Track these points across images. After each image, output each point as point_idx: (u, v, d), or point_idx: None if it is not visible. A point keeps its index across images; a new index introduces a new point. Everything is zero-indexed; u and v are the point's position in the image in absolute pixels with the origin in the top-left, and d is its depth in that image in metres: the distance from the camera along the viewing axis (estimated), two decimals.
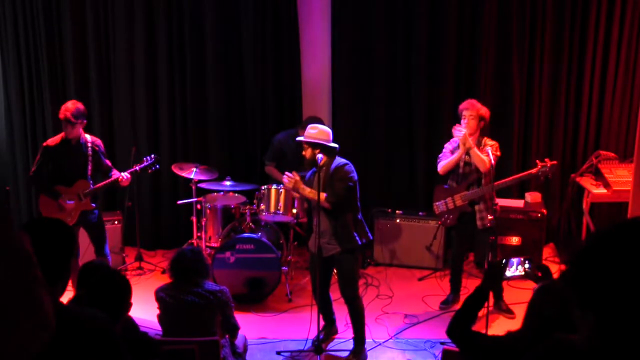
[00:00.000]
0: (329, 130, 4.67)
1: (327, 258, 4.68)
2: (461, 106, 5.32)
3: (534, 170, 5.27)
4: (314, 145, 4.58)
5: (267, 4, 6.72)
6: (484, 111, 5.29)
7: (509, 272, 2.78)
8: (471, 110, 5.23)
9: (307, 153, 4.62)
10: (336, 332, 5.11)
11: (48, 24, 6.63)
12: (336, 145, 4.65)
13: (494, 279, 2.69)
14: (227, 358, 3.82)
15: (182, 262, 3.99)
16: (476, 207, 5.31)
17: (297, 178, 4.66)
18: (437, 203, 5.54)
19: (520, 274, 2.78)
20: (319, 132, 4.62)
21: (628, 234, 1.50)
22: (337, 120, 6.92)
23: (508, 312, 5.42)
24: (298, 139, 4.73)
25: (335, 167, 4.60)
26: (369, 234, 4.84)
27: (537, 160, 5.33)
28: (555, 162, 5.29)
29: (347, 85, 6.86)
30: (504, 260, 2.74)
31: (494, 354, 2.31)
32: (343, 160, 4.64)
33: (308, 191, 4.62)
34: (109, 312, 2.80)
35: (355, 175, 4.61)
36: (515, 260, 2.79)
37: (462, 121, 5.28)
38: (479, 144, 5.27)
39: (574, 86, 6.63)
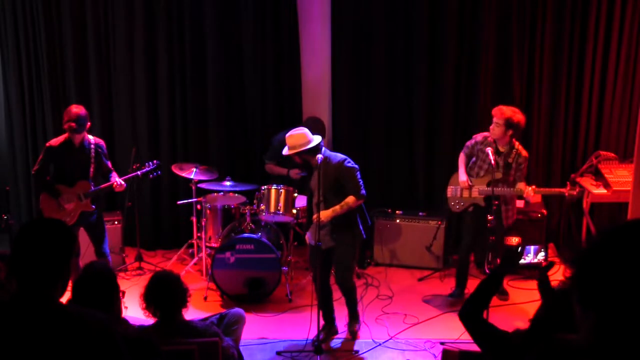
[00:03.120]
0: (304, 129, 4.71)
1: (327, 249, 4.73)
2: (492, 110, 5.33)
3: (565, 191, 5.31)
4: (312, 152, 4.59)
5: (267, 4, 6.72)
6: (512, 117, 5.18)
7: (524, 260, 2.81)
8: (497, 117, 5.22)
9: (310, 162, 4.64)
10: (336, 332, 5.11)
11: (48, 24, 6.63)
12: (319, 139, 4.68)
13: (510, 264, 2.68)
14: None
15: (162, 294, 3.51)
16: (502, 208, 5.33)
17: (322, 217, 4.64)
18: (452, 187, 5.56)
19: (535, 261, 2.83)
20: (303, 141, 4.60)
21: (630, 235, 1.50)
22: (337, 120, 6.93)
23: (502, 294, 5.41)
24: (285, 153, 4.73)
25: (337, 169, 4.62)
26: (368, 219, 4.95)
27: (568, 183, 5.52)
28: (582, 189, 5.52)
29: (347, 85, 6.86)
30: (520, 247, 2.74)
31: (499, 347, 2.30)
32: (340, 157, 4.68)
33: (331, 210, 4.64)
34: (99, 306, 2.81)
35: (356, 165, 4.70)
36: (532, 247, 2.83)
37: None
38: (510, 150, 5.29)
39: (574, 86, 6.62)
